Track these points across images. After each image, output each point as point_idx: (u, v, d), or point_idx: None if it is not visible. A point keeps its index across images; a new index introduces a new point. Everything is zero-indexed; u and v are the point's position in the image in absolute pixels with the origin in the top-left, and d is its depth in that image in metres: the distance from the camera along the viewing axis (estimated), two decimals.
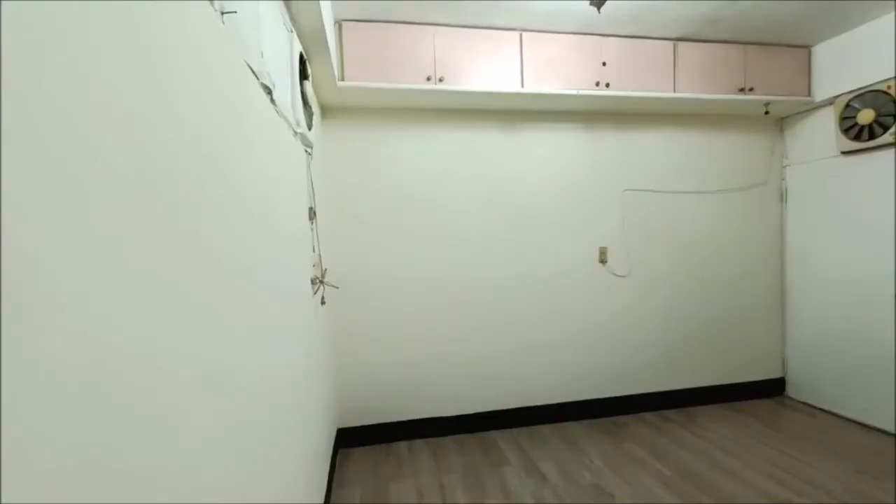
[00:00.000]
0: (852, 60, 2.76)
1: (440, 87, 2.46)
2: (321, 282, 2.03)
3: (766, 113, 3.12)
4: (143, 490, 0.56)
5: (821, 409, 3.13)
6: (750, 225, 3.34)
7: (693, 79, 2.81)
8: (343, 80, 2.37)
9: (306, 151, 1.93)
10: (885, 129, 2.59)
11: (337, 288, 2.53)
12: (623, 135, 3.12)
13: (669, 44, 2.76)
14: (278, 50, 1.41)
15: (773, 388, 3.41)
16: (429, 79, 2.44)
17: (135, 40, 0.60)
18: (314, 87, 2.29)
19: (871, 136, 2.67)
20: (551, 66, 2.62)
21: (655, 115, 3.13)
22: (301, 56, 1.70)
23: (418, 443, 2.84)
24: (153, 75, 0.64)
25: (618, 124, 3.10)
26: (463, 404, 2.94)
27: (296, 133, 1.66)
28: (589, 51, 2.66)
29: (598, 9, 2.07)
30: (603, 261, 3.10)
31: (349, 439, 2.79)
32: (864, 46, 2.70)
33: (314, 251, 2.02)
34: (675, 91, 2.77)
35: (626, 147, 3.13)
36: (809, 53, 2.99)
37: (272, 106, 1.32)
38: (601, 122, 3.08)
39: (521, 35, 2.57)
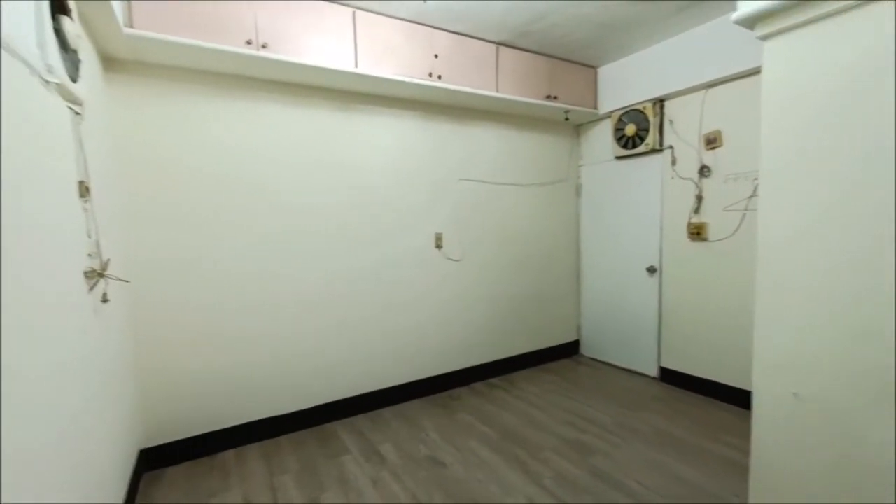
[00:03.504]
0: (623, 83, 3.47)
1: (263, 53, 2.21)
2: (100, 275, 1.63)
3: (567, 119, 3.72)
4: None
5: (603, 363, 3.93)
6: (556, 214, 3.94)
7: (512, 82, 3.14)
8: (132, 26, 1.93)
9: (72, 110, 1.51)
10: (643, 140, 3.33)
11: (127, 282, 2.09)
12: (457, 127, 3.32)
13: (493, 46, 3.03)
14: None
15: (571, 349, 4.14)
16: (249, 43, 2.17)
17: None
18: (87, 29, 1.81)
19: (635, 146, 3.41)
20: (387, 52, 2.60)
21: (484, 111, 3.42)
22: None
23: (249, 448, 2.58)
24: None
25: (452, 117, 3.29)
26: (300, 399, 2.78)
27: (47, 83, 1.28)
28: (422, 41, 2.73)
29: None
30: (439, 246, 3.28)
31: (159, 459, 2.37)
32: (630, 73, 3.41)
33: (90, 237, 1.61)
34: (497, 91, 3.06)
35: (459, 139, 3.34)
36: (596, 73, 3.64)
37: None
38: (437, 113, 3.21)
39: (354, 13, 2.48)
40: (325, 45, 2.40)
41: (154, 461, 2.36)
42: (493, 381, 3.58)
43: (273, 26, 2.24)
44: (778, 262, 1.30)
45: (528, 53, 3.23)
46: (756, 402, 1.39)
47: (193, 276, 2.41)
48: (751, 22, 1.29)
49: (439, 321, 3.32)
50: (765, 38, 1.28)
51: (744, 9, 1.27)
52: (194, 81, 2.36)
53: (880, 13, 1.04)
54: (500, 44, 3.07)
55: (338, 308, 2.88)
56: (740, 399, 2.82)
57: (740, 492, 1.98)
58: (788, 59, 1.25)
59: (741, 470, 2.13)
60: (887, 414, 1.10)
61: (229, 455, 2.51)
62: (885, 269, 1.08)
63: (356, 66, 2.48)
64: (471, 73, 2.94)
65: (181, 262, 2.37)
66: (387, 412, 3.04)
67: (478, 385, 3.50)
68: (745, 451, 1.43)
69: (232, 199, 2.49)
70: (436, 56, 2.76)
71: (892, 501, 1.09)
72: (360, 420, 2.92)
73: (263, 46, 2.21)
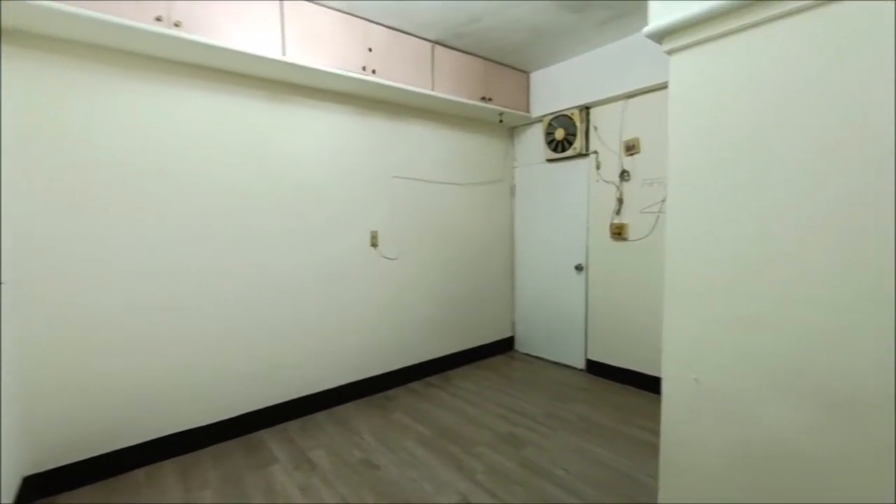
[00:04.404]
0: (553, 89, 3.63)
1: (175, 32, 2.02)
2: None
3: (501, 121, 3.82)
4: None
5: (535, 357, 4.09)
6: (492, 214, 4.04)
7: (448, 81, 3.16)
8: None
9: None
10: (571, 144, 3.51)
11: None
12: (394, 124, 3.28)
13: (428, 45, 3.03)
14: None
15: (506, 346, 4.26)
16: (159, 20, 1.98)
17: None
18: None
19: (564, 150, 3.58)
20: (318, 42, 2.50)
21: (421, 109, 3.41)
22: None
23: (164, 465, 2.36)
24: None
25: (389, 114, 3.24)
26: (223, 408, 2.59)
27: None
28: (356, 34, 2.66)
29: None
30: (374, 245, 3.22)
31: (52, 485, 2.09)
32: (559, 80, 3.57)
33: None
34: (433, 90, 3.07)
35: (397, 136, 3.30)
36: (528, 78, 3.77)
37: None
38: (373, 108, 3.15)
39: None
40: (250, 29, 2.25)
41: (46, 488, 2.08)
42: (431, 379, 3.59)
43: (189, 5, 2.06)
44: (682, 261, 1.43)
45: (464, 54, 3.26)
46: (665, 388, 1.51)
47: (92, 273, 2.15)
48: (659, 37, 1.39)
49: (376, 321, 3.26)
50: (671, 52, 1.39)
51: (653, 24, 1.38)
52: (102, 60, 2.12)
53: (774, 33, 1.17)
54: (436, 42, 3.08)
55: (267, 309, 2.72)
56: (655, 386, 3.07)
57: (653, 471, 2.15)
58: (692, 72, 1.37)
59: (654, 450, 2.31)
60: (776, 395, 1.24)
61: (139, 474, 2.28)
62: (774, 266, 1.22)
63: (284, 53, 2.36)
64: (407, 69, 2.91)
65: (77, 258, 2.11)
66: (321, 416, 2.93)
67: (415, 384, 3.49)
68: (658, 433, 1.55)
69: (141, 188, 2.26)
70: (370, 50, 2.70)
71: (782, 468, 1.23)
72: (292, 426, 2.79)
73: (176, 25, 2.02)
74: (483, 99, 3.38)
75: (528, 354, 4.17)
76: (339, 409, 3.04)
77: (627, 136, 3.24)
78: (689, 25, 1.32)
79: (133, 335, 2.27)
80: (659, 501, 1.54)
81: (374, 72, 2.72)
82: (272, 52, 2.32)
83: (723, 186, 1.31)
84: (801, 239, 1.17)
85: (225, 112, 2.50)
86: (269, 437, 2.65)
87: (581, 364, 3.70)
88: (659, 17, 1.37)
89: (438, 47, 3.10)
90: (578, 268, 3.65)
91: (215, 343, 2.54)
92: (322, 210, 2.93)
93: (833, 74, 1.08)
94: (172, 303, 2.38)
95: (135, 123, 2.22)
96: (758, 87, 1.22)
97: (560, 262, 3.80)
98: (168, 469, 2.32)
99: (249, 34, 2.25)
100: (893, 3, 0.98)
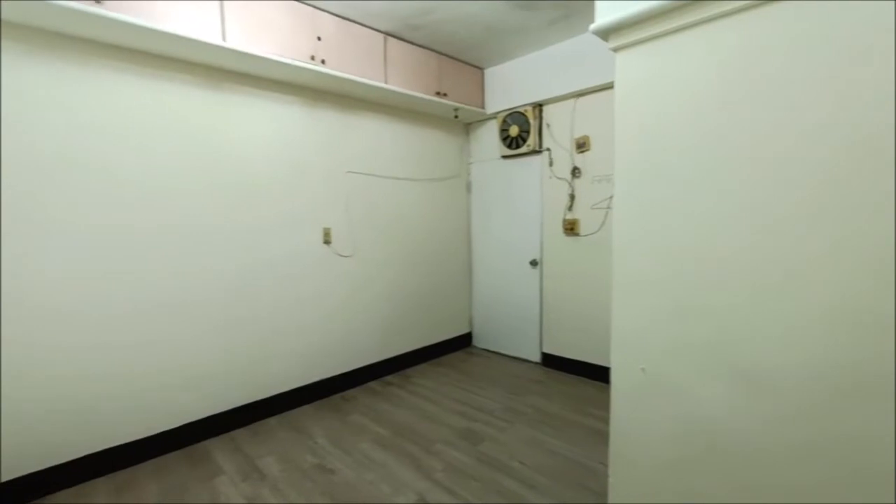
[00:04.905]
0: (507, 86, 3.66)
1: (95, 9, 1.83)
2: None
3: (456, 117, 3.81)
4: None
5: (493, 352, 4.13)
6: (449, 210, 4.02)
7: (402, 75, 3.10)
8: None
9: None
10: (525, 141, 3.55)
11: None
12: (347, 118, 3.18)
13: (380, 36, 2.96)
14: None
15: (464, 342, 4.28)
16: None
17: None
18: None
19: (518, 146, 3.62)
20: (262, 28, 2.37)
21: (374, 103, 3.33)
22: None
23: (96, 483, 2.17)
24: None
25: (340, 106, 3.13)
26: (163, 418, 2.42)
27: None
28: (304, 21, 2.54)
29: None
30: (328, 242, 3.11)
31: None
32: (513, 77, 3.61)
33: None
34: (386, 83, 3.00)
35: (350, 130, 3.21)
36: (483, 74, 3.78)
37: None
38: (324, 101, 3.04)
39: None
40: (186, 11, 2.09)
41: None
42: (389, 378, 3.53)
43: None
44: (628, 255, 1.47)
45: (418, 48, 3.22)
46: (613, 377, 1.56)
47: (9, 275, 1.93)
48: (605, 34, 1.42)
49: (331, 320, 3.16)
50: (616, 50, 1.42)
51: (599, 21, 1.40)
52: (11, 37, 1.89)
53: (718, 32, 1.22)
54: (388, 34, 3.01)
55: (212, 312, 2.56)
56: (606, 376, 3.17)
57: (604, 457, 2.23)
58: (637, 70, 1.41)
59: (605, 438, 2.39)
60: (710, 378, 1.30)
61: (66, 495, 2.08)
62: (712, 259, 1.27)
63: (224, 39, 2.21)
64: (359, 61, 2.83)
65: None
66: (272, 422, 2.81)
67: (373, 384, 3.42)
68: (608, 421, 1.60)
69: (56, 183, 2.04)
70: (319, 39, 2.59)
71: (721, 450, 1.29)
72: (241, 434, 2.65)
73: (97, 0, 1.84)
74: (438, 94, 3.35)
75: (485, 350, 4.21)
76: (293, 413, 2.92)
77: (578, 134, 3.33)
78: (635, 23, 1.35)
79: (57, 343, 2.06)
80: (609, 483, 1.59)
81: (323, 62, 2.62)
82: (211, 36, 2.17)
83: (665, 183, 1.36)
84: (732, 234, 1.23)
85: (159, 101, 2.32)
86: (215, 447, 2.51)
87: (537, 357, 3.78)
88: (605, 14, 1.40)
89: (391, 39, 3.03)
90: (533, 263, 3.72)
91: (153, 349, 2.36)
92: (270, 206, 2.79)
93: (775, 75, 1.13)
94: (94, 308, 2.18)
95: (52, 111, 2.01)
96: (701, 87, 1.26)
97: (516, 258, 3.85)
98: (101, 488, 2.14)
99: (185, 16, 2.09)
100: (838, 2, 1.03)
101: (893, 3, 0.94)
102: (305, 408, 3.01)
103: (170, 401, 2.43)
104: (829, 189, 1.05)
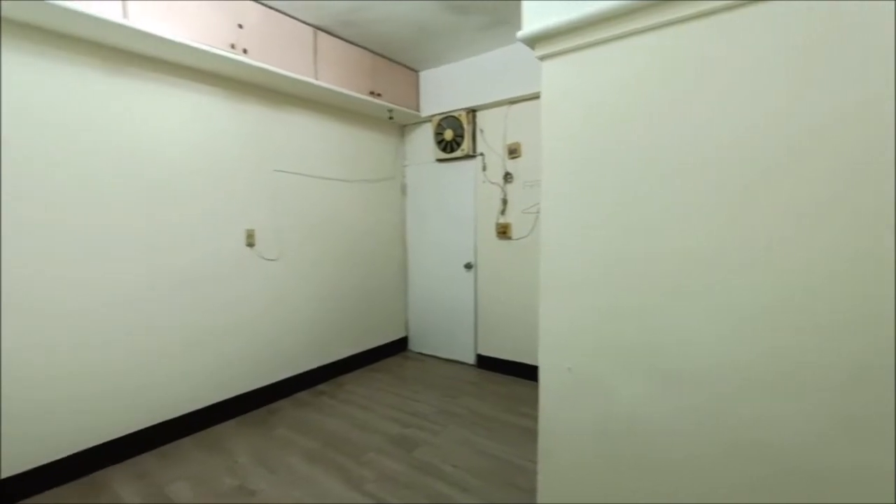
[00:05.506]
0: (442, 90, 3.67)
1: None
2: None
3: (391, 118, 3.75)
4: None
5: (428, 356, 4.11)
6: (383, 213, 3.95)
7: (334, 72, 2.99)
8: None
9: None
10: (459, 145, 3.59)
11: None
12: (274, 113, 3.00)
13: (310, 30, 2.83)
14: None
15: (400, 346, 4.21)
16: None
17: None
18: None
19: (453, 150, 3.65)
20: (173, 8, 2.15)
21: (305, 99, 3.17)
22: None
23: None
24: None
25: (268, 101, 2.95)
26: (55, 447, 2.09)
27: None
28: (223, 5, 2.35)
29: None
30: (251, 244, 2.91)
31: None
32: (447, 81, 3.63)
33: None
34: (317, 79, 2.87)
35: (279, 127, 3.03)
36: (418, 76, 3.77)
37: None
38: (249, 94, 2.84)
39: None
40: None
41: None
42: (321, 387, 3.37)
43: None
44: (554, 258, 1.52)
45: (352, 46, 3.12)
46: (541, 377, 1.60)
47: None
48: (531, 41, 1.46)
49: (254, 328, 2.95)
50: (542, 58, 1.47)
51: (526, 29, 1.44)
52: None
53: (641, 45, 1.28)
54: (318, 28, 2.89)
55: (112, 323, 2.27)
56: (537, 375, 3.29)
57: (533, 455, 2.28)
58: (562, 79, 1.45)
59: (535, 436, 2.45)
60: (629, 374, 1.37)
61: None
62: (634, 262, 1.34)
63: (125, 16, 1.98)
64: (286, 54, 2.68)
65: None
66: (187, 442, 2.55)
67: (303, 394, 3.25)
68: (538, 419, 1.63)
69: None
70: (240, 26, 2.42)
71: (643, 441, 1.36)
72: (148, 459, 2.38)
73: None
74: (372, 94, 3.27)
75: (421, 353, 4.17)
76: (212, 431, 2.68)
77: (510, 140, 3.42)
78: (560, 33, 1.39)
79: None
80: (538, 481, 1.63)
81: (245, 51, 2.45)
82: (109, 12, 1.93)
83: (589, 189, 1.42)
84: (654, 239, 1.30)
85: (50, 83, 2.02)
86: (116, 475, 2.22)
87: (471, 359, 3.81)
88: (531, 22, 1.43)
89: (322, 34, 2.91)
90: (468, 266, 3.76)
91: (37, 366, 2.03)
92: (187, 204, 2.55)
93: (691, 88, 1.20)
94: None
95: None
96: (622, 98, 1.33)
97: (451, 261, 3.87)
98: None
99: None
100: (749, 19, 1.13)
101: (801, 21, 1.03)
102: (226, 424, 2.78)
103: (59, 427, 2.11)
104: (744, 197, 1.14)
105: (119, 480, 2.18)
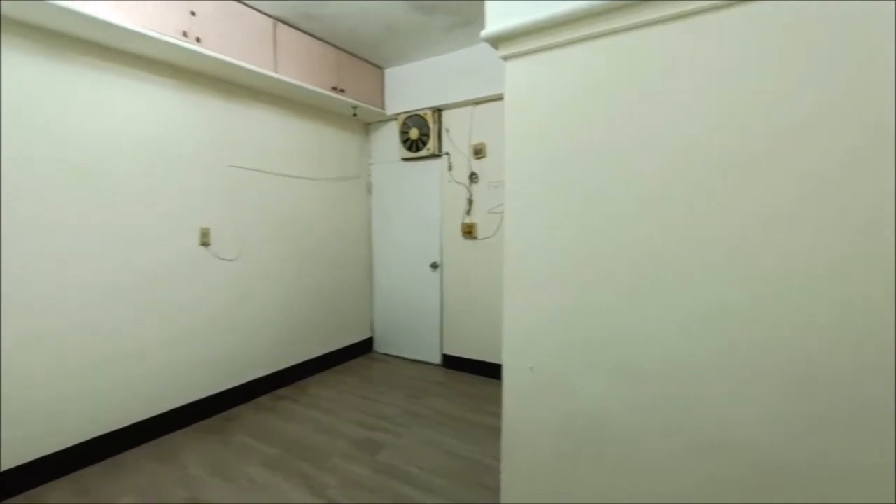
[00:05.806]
0: (407, 88, 3.64)
1: None
2: None
3: (355, 115, 3.68)
4: None
5: (394, 356, 4.07)
6: (348, 211, 3.87)
7: (295, 66, 2.90)
8: None
9: None
10: (425, 144, 3.57)
11: None
12: (231, 107, 2.87)
13: (269, 21, 2.73)
14: None
15: (366, 347, 4.14)
16: None
17: None
18: None
19: (418, 149, 3.62)
20: None
21: (265, 93, 3.06)
22: None
23: None
24: None
25: (225, 94, 2.82)
26: None
27: None
28: None
29: None
30: (206, 244, 2.77)
31: None
32: (413, 80, 3.60)
33: None
34: (276, 72, 2.77)
35: (234, 121, 2.90)
36: (383, 74, 3.72)
37: None
38: (204, 86, 2.70)
39: None
40: None
41: None
42: (282, 391, 3.26)
43: None
44: (517, 258, 1.53)
45: (315, 40, 3.04)
46: (505, 376, 1.60)
47: None
48: (495, 41, 1.46)
49: (210, 331, 2.82)
50: (506, 58, 1.47)
51: (490, 28, 1.44)
52: None
53: (604, 48, 1.30)
54: (278, 19, 2.79)
55: (51, 327, 2.10)
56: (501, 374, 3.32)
57: (498, 453, 2.30)
58: (526, 80, 1.46)
59: (499, 434, 2.48)
60: (591, 373, 1.40)
61: None
62: (595, 262, 1.36)
63: None
64: (244, 45, 2.57)
65: None
66: (136, 453, 2.40)
67: (263, 399, 3.13)
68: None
69: None
70: (193, 14, 2.30)
71: (605, 439, 1.39)
72: (92, 472, 2.22)
73: None
74: (335, 89, 3.20)
75: (386, 354, 4.12)
76: (163, 441, 2.54)
77: (476, 141, 3.43)
78: (524, 33, 1.40)
79: None
80: (502, 479, 1.63)
81: (198, 40, 2.32)
82: None
83: (551, 190, 1.43)
84: (614, 239, 1.33)
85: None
86: (56, 491, 2.06)
87: (437, 359, 3.80)
88: (495, 22, 1.43)
89: (283, 26, 2.81)
90: (434, 266, 3.74)
91: None
92: (135, 201, 2.39)
93: (653, 91, 1.23)
94: None
95: None
96: (589, 99, 1.34)
97: (417, 261, 3.84)
98: None
99: None
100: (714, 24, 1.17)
101: (767, 23, 1.07)
102: (179, 433, 2.64)
103: None
104: (709, 197, 1.16)
105: (60, 496, 2.03)
